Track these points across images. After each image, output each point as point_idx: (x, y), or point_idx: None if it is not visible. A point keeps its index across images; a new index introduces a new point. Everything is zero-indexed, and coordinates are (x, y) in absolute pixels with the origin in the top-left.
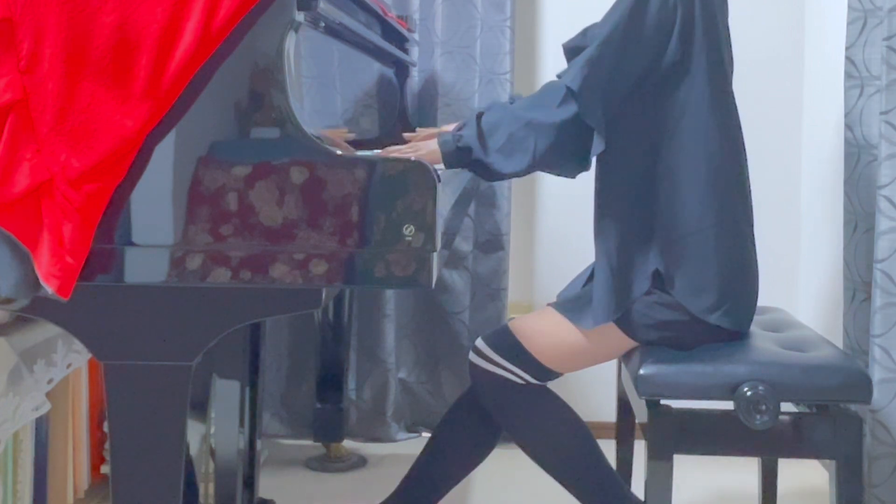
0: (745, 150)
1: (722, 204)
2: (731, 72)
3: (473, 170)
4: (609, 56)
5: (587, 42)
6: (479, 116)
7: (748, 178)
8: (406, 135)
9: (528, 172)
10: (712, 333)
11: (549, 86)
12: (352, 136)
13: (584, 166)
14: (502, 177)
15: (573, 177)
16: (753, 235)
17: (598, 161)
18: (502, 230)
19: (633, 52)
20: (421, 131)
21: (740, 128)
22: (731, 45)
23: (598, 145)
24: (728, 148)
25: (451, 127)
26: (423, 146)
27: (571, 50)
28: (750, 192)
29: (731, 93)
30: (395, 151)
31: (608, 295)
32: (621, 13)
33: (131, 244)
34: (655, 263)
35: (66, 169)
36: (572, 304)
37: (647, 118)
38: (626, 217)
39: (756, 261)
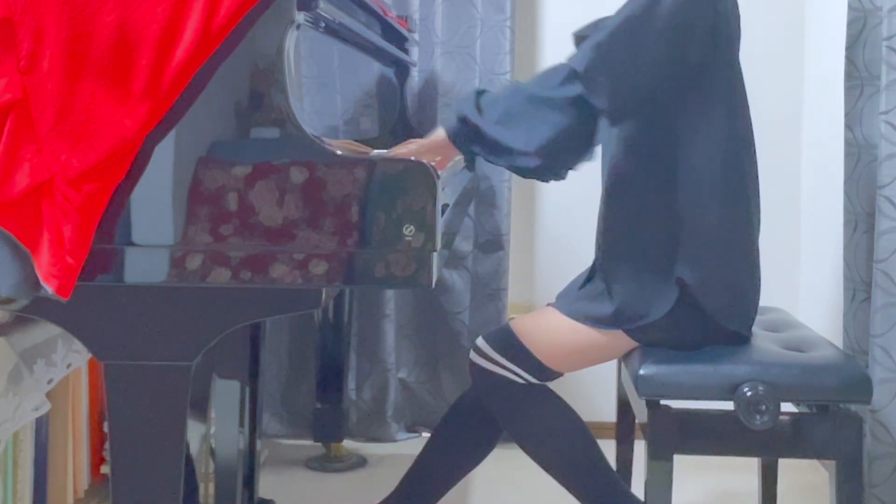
0: (755, 153)
1: (741, 209)
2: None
3: (482, 149)
4: (619, 44)
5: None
6: (479, 92)
7: (758, 180)
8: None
9: (535, 154)
10: (715, 334)
11: (554, 66)
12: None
13: (589, 154)
14: (510, 151)
15: (575, 168)
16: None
17: (611, 167)
18: (502, 230)
19: (647, 45)
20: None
21: (752, 130)
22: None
23: (604, 131)
24: (745, 151)
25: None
26: (425, 139)
27: (581, 39)
28: (759, 195)
29: (746, 96)
30: (401, 150)
31: (632, 303)
32: (634, 5)
33: (131, 244)
34: (679, 272)
35: (66, 169)
36: (576, 306)
37: (667, 122)
38: (645, 224)
39: (759, 264)
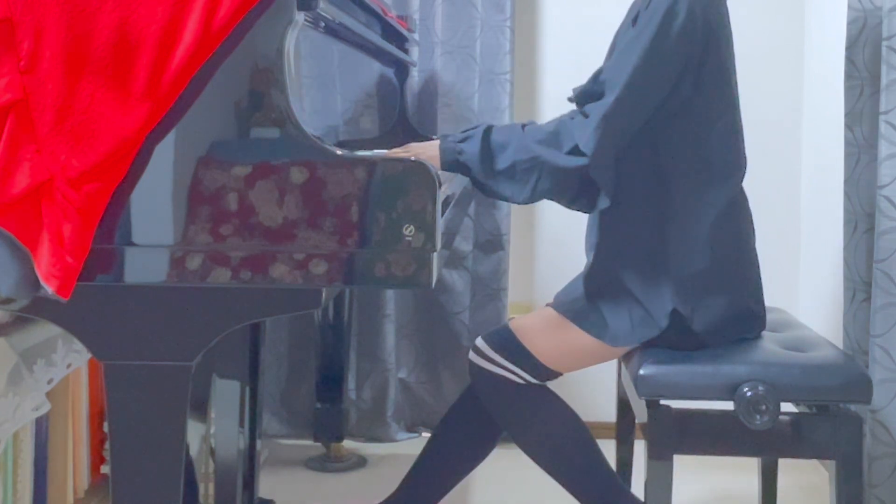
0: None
1: (734, 231)
2: (737, 89)
3: (472, 181)
4: (625, 111)
5: (598, 87)
6: (487, 133)
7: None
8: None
9: (524, 203)
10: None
11: (564, 126)
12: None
13: (588, 211)
14: (498, 197)
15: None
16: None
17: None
18: (502, 230)
19: (649, 100)
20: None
21: (743, 147)
22: (734, 60)
23: (603, 201)
24: (736, 172)
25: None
26: (422, 148)
27: (582, 94)
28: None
29: (738, 110)
30: (395, 152)
31: (631, 324)
32: (637, 60)
33: (131, 244)
34: (673, 302)
35: (66, 169)
36: (574, 307)
37: (657, 152)
38: (639, 250)
39: (759, 272)
